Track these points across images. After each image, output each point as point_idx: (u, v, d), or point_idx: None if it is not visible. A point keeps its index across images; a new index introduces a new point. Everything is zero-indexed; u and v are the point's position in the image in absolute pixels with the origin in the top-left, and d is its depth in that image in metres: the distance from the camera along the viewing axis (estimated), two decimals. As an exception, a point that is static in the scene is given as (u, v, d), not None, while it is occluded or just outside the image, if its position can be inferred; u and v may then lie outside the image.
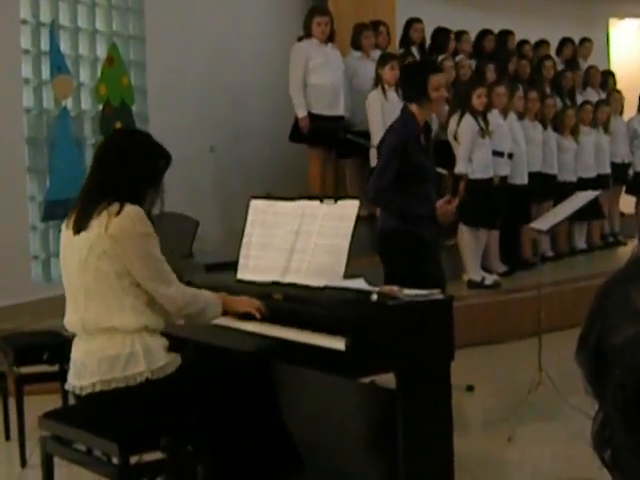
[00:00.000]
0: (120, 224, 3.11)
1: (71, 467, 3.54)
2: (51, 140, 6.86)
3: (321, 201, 3.61)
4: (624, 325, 0.92)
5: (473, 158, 7.39)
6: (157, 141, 3.37)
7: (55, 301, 4.33)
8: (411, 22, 8.67)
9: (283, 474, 3.58)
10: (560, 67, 9.83)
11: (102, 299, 3.16)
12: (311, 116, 7.59)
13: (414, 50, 8.57)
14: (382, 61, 7.37)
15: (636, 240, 9.81)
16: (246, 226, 3.83)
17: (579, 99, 9.66)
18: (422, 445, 3.21)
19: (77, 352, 3.24)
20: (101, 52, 7.29)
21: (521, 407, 4.95)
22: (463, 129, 7.33)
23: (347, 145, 7.68)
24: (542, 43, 9.98)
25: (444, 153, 7.23)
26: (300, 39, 7.73)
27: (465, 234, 7.49)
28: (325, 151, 7.86)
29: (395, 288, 3.27)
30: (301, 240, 3.57)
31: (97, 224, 3.14)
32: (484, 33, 9.32)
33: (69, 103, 6.94)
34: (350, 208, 3.47)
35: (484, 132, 7.36)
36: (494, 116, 7.61)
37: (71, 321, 3.26)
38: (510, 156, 7.81)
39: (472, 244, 7.53)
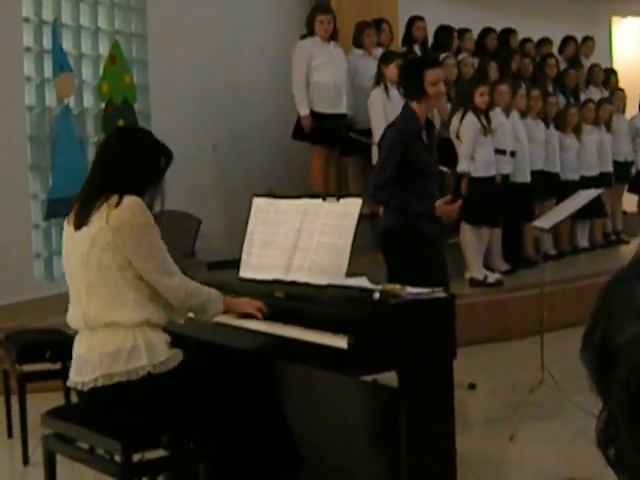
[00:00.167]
0: (120, 215, 3.12)
1: (73, 465, 3.55)
2: (53, 138, 6.87)
3: (324, 199, 3.61)
4: (628, 323, 0.92)
5: (475, 156, 7.39)
6: (159, 139, 3.38)
7: (58, 299, 4.34)
8: (413, 20, 8.66)
9: (284, 472, 3.58)
10: (563, 65, 9.83)
11: (105, 293, 3.16)
12: (314, 114, 7.60)
13: (416, 48, 8.57)
14: (386, 59, 7.36)
15: (638, 238, 9.81)
16: (248, 224, 3.83)
17: (582, 97, 9.66)
18: (424, 443, 3.21)
19: (79, 348, 3.24)
20: (103, 50, 7.30)
21: (523, 405, 4.95)
22: (465, 127, 7.32)
23: (350, 143, 7.68)
24: (545, 41, 9.98)
25: (446, 151, 7.22)
26: (303, 37, 7.74)
27: (467, 232, 7.49)
28: (328, 149, 7.86)
29: (397, 286, 3.27)
30: (303, 238, 3.57)
31: (98, 218, 3.14)
32: (487, 31, 9.32)
33: (71, 101, 6.95)
34: (352, 206, 3.47)
35: (486, 130, 7.35)
36: (496, 114, 7.61)
37: (73, 317, 3.27)
38: (512, 154, 7.81)
39: (474, 242, 7.53)
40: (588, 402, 4.41)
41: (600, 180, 8.98)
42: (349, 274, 3.37)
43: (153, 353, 3.14)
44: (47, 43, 6.87)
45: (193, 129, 7.72)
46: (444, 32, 8.77)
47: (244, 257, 3.80)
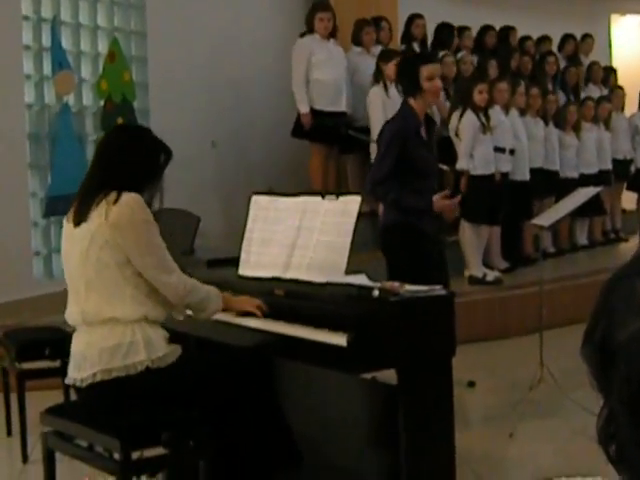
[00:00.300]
0: (119, 212, 3.12)
1: (73, 462, 3.54)
2: (52, 136, 6.87)
3: (323, 197, 3.60)
4: (630, 320, 0.92)
5: (474, 154, 7.38)
6: (158, 137, 3.37)
7: (56, 297, 4.33)
8: (413, 18, 8.66)
9: (284, 469, 3.58)
10: (562, 63, 9.82)
11: (103, 290, 3.16)
12: (313, 112, 7.59)
13: (415, 46, 8.57)
14: (385, 57, 7.35)
15: (637, 236, 9.81)
16: (248, 222, 3.83)
17: (581, 95, 9.66)
18: (423, 441, 3.21)
19: (77, 344, 3.24)
20: (102, 48, 7.30)
21: (522, 403, 4.95)
22: (464, 125, 7.32)
23: (349, 141, 7.68)
24: (544, 39, 9.98)
25: (446, 149, 7.22)
26: (302, 35, 7.74)
27: (467, 230, 7.49)
28: (327, 147, 7.86)
29: (397, 284, 3.26)
30: (303, 236, 3.56)
31: (97, 214, 3.14)
32: (486, 29, 9.32)
33: (70, 99, 6.94)
34: (352, 204, 3.47)
35: (485, 128, 7.35)
36: (496, 112, 7.61)
37: (71, 313, 3.26)
38: (512, 152, 7.81)
39: (474, 240, 7.53)
40: (587, 399, 4.41)
41: (599, 178, 8.98)
42: (348, 272, 3.37)
43: (151, 348, 3.14)
44: (46, 41, 6.87)
45: (192, 127, 7.72)
46: (444, 30, 8.77)
47: (243, 255, 3.79)
